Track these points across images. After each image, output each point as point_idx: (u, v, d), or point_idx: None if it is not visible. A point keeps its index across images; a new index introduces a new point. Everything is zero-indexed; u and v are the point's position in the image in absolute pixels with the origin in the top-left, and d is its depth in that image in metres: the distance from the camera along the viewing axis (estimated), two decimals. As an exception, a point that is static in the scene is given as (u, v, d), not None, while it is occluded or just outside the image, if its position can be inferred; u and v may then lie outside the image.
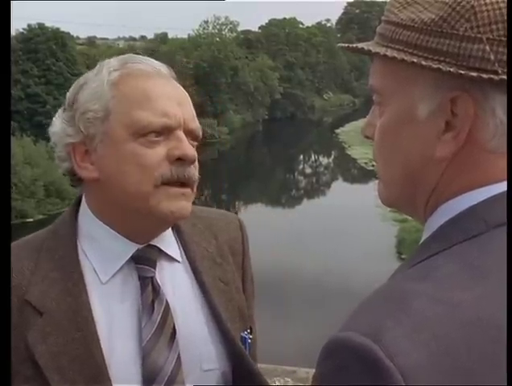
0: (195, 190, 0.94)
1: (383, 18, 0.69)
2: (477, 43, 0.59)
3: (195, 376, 0.94)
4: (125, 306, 0.92)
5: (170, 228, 1.00)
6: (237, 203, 21.21)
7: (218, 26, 42.44)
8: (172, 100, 0.91)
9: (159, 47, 36.10)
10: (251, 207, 19.26)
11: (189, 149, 0.90)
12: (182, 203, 0.90)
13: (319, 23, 58.83)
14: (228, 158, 30.02)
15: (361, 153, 26.86)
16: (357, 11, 68.71)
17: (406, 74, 0.64)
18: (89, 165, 0.92)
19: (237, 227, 1.11)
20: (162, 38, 48.56)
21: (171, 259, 0.98)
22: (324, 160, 34.01)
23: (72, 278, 0.91)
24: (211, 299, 0.97)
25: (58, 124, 0.95)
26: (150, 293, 0.93)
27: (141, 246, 0.95)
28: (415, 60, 0.61)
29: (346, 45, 0.71)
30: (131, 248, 0.94)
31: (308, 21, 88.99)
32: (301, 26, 50.63)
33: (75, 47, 27.73)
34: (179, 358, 0.92)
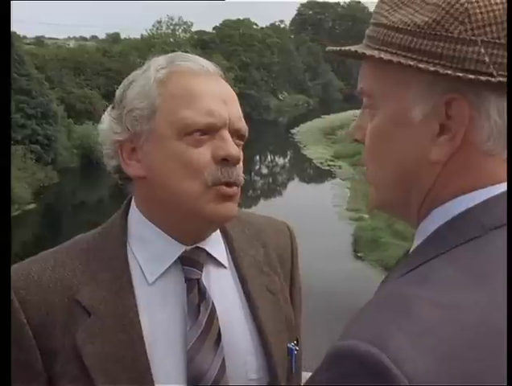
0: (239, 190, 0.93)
1: (372, 20, 0.67)
2: (472, 45, 0.59)
3: (240, 384, 0.93)
4: (171, 308, 0.91)
5: (219, 233, 0.99)
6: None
7: (172, 27, 42.13)
8: (218, 99, 0.90)
9: (112, 48, 35.46)
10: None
11: (234, 149, 0.89)
12: (229, 204, 0.90)
13: (273, 24, 59.17)
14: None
15: (317, 153, 27.16)
16: (311, 12, 69.53)
17: (399, 77, 0.63)
18: (136, 162, 0.91)
19: (286, 234, 1.10)
20: (114, 38, 47.70)
21: (218, 264, 0.97)
22: (280, 160, 34.22)
23: (120, 280, 0.90)
24: (256, 309, 0.96)
25: (106, 121, 0.94)
26: (196, 295, 0.92)
27: (188, 247, 0.93)
28: (412, 63, 0.60)
29: (337, 48, 0.69)
30: (178, 248, 0.93)
31: (263, 22, 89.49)
32: (255, 26, 50.75)
33: (22, 46, 26.79)
34: (223, 363, 0.90)
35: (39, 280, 0.89)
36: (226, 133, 0.89)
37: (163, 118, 0.89)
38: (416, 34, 0.61)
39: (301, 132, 36.00)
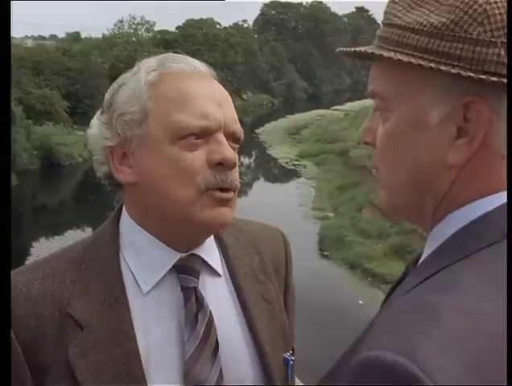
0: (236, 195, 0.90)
1: (384, 21, 0.65)
2: (492, 46, 0.57)
3: None
4: (167, 318, 0.89)
5: (213, 240, 0.96)
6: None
7: (134, 26, 41.52)
8: (212, 101, 0.88)
9: (72, 47, 34.75)
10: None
11: (230, 152, 0.86)
12: (225, 209, 0.87)
13: (236, 24, 59.10)
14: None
15: (282, 152, 27.24)
16: (273, 12, 69.74)
17: (415, 79, 0.61)
18: (127, 168, 0.88)
19: (280, 241, 1.08)
20: (74, 37, 46.72)
21: (213, 272, 0.95)
22: (245, 160, 34.26)
23: (113, 292, 0.87)
24: (252, 318, 0.94)
25: (95, 126, 0.91)
26: (193, 304, 0.89)
27: (183, 255, 0.91)
28: (433, 65, 0.58)
29: (351, 49, 0.66)
30: (173, 256, 0.90)
31: (226, 21, 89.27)
32: (218, 26, 50.60)
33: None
34: (220, 374, 0.88)
35: (28, 292, 0.86)
36: (222, 137, 0.87)
37: (155, 122, 0.86)
38: (433, 35, 0.59)
39: (266, 132, 36.08)
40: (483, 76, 0.57)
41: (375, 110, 0.68)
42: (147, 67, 0.89)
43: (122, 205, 0.95)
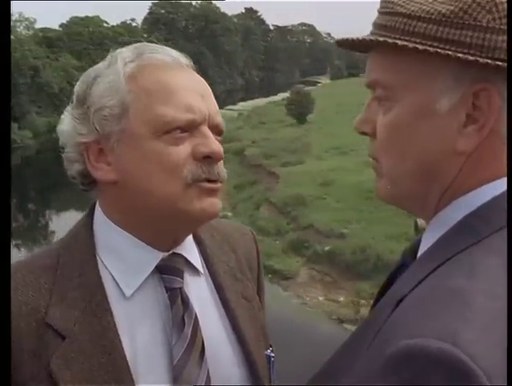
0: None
1: (383, 10, 0.64)
2: (502, 34, 0.58)
3: None
4: (152, 322, 0.84)
5: (191, 238, 0.93)
6: (47, 211, 19.67)
7: (12, 23, 38.88)
8: (196, 93, 0.84)
9: None
10: (64, 214, 18.08)
11: (216, 145, 0.83)
12: (213, 199, 0.83)
13: (124, 23, 57.56)
14: (34, 163, 27.70)
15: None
16: (163, 11, 68.86)
17: (425, 67, 0.61)
18: (105, 165, 0.83)
19: (251, 239, 1.06)
20: None
21: (194, 271, 0.91)
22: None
23: (94, 297, 0.82)
24: (235, 318, 0.92)
25: (66, 122, 0.85)
26: (180, 305, 0.85)
27: (165, 254, 0.86)
28: (450, 53, 0.57)
29: (357, 38, 0.64)
30: (156, 256, 0.86)
31: (113, 20, 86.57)
32: (106, 24, 48.98)
33: None
34: (208, 376, 0.85)
35: None
36: (207, 129, 0.84)
37: (136, 116, 0.81)
38: (442, 23, 0.59)
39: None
40: (499, 63, 0.57)
41: (375, 100, 0.67)
42: (124, 58, 0.85)
43: (94, 205, 0.90)
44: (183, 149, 0.82)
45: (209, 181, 0.83)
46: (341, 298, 9.42)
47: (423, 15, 0.60)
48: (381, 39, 0.62)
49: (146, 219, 0.85)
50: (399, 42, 0.61)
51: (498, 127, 0.61)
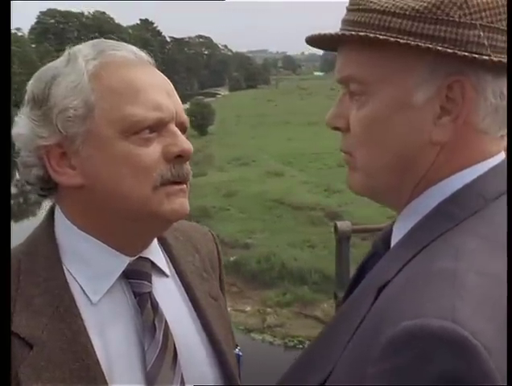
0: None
1: (354, 6, 0.66)
2: (473, 28, 0.60)
3: None
4: (122, 328, 0.81)
5: (156, 241, 0.91)
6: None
7: None
8: (162, 91, 0.81)
9: None
10: None
11: (187, 144, 0.81)
12: (182, 200, 0.82)
13: (9, 32, 54.43)
14: None
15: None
16: (52, 21, 66.08)
17: (401, 61, 0.62)
18: (69, 169, 0.79)
19: (211, 239, 1.07)
20: None
21: (161, 273, 0.89)
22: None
23: (62, 302, 0.78)
24: (205, 318, 0.91)
25: (23, 124, 0.80)
26: (150, 310, 0.83)
27: (132, 259, 0.84)
28: (431, 46, 0.60)
29: (331, 33, 0.65)
30: (123, 261, 0.83)
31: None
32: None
33: None
34: (182, 379, 0.83)
35: None
36: (175, 128, 0.81)
37: (102, 117, 0.77)
38: (416, 19, 0.61)
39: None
40: (476, 56, 0.60)
41: (347, 95, 0.68)
42: (85, 56, 0.80)
43: (53, 211, 0.85)
44: (153, 150, 0.79)
45: (176, 183, 0.82)
46: (248, 308, 9.48)
47: (397, 11, 0.62)
48: (361, 33, 0.64)
49: (115, 223, 0.82)
50: (381, 36, 0.62)
51: (471, 118, 0.63)
